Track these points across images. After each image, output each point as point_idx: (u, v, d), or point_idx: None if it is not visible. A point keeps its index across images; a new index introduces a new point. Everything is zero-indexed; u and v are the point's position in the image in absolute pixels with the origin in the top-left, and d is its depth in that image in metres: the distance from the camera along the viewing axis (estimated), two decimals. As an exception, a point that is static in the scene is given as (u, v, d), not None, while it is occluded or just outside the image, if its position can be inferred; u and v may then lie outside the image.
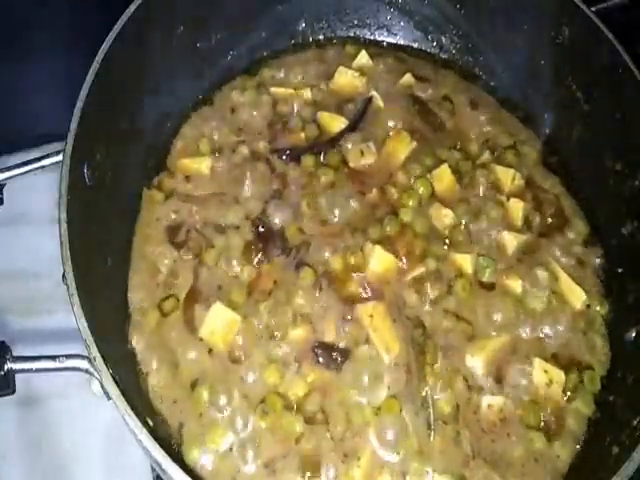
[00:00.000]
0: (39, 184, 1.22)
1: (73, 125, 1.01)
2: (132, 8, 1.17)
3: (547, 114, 1.38)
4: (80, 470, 1.21)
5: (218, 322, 1.12)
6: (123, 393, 0.91)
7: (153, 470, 1.21)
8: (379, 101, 1.39)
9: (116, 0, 1.17)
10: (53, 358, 0.95)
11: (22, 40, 1.46)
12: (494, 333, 1.16)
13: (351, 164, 1.31)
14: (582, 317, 1.20)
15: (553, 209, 1.30)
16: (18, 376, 1.08)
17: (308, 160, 1.30)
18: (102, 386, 0.96)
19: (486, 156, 1.34)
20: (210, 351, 1.12)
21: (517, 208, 1.27)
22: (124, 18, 1.15)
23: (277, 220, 1.23)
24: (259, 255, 1.20)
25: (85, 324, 0.93)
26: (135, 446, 0.93)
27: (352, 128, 1.34)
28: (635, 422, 1.00)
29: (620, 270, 1.23)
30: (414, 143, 1.33)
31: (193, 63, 1.35)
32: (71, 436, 1.23)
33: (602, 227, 1.28)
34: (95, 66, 1.07)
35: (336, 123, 1.35)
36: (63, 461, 1.21)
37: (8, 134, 1.46)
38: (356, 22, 1.52)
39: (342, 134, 1.33)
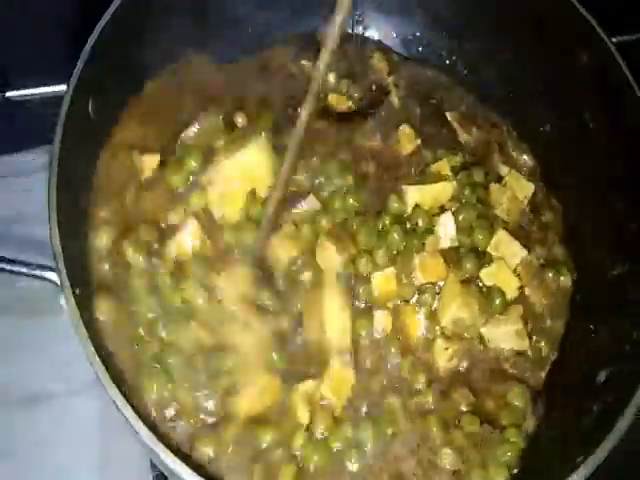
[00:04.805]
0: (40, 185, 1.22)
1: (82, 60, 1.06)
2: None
3: (557, 140, 1.37)
4: (80, 470, 1.23)
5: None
6: (78, 306, 0.96)
7: (153, 469, 1.23)
8: (394, 97, 1.41)
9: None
10: (26, 265, 1.03)
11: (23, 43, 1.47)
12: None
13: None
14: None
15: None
16: (19, 375, 1.23)
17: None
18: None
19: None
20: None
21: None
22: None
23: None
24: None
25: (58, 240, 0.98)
26: (135, 444, 0.97)
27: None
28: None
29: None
30: (418, 140, 1.35)
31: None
32: (71, 435, 1.24)
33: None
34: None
35: (344, 104, 1.39)
36: (62, 459, 1.22)
37: (7, 134, 1.49)
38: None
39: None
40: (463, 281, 1.18)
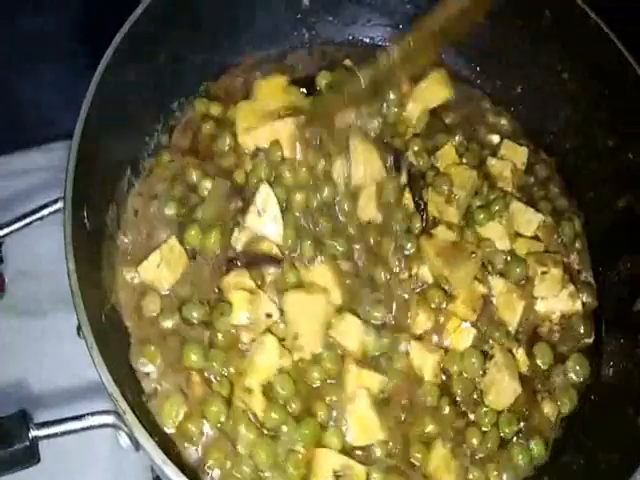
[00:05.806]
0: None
1: (71, 165, 0.96)
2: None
3: (533, 98, 1.37)
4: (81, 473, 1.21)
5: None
6: (158, 444, 0.88)
7: (153, 472, 1.22)
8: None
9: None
10: (78, 418, 0.91)
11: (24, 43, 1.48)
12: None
13: None
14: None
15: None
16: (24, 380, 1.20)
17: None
18: (131, 438, 0.93)
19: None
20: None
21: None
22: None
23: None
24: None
25: (109, 377, 0.88)
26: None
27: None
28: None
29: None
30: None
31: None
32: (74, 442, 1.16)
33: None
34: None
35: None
36: (66, 464, 1.19)
37: (8, 134, 1.46)
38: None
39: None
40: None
